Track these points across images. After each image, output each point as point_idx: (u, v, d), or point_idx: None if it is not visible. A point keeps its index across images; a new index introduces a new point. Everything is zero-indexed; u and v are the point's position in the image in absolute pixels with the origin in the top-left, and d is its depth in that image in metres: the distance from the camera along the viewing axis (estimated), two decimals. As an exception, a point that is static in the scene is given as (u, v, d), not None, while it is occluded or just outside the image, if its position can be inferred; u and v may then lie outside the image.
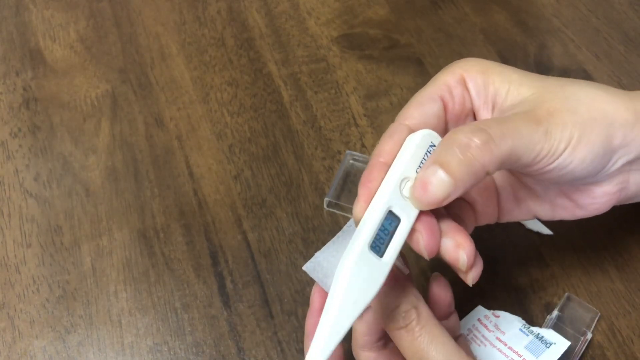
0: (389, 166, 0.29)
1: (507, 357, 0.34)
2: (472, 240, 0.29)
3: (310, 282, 0.39)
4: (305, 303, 0.38)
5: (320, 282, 0.29)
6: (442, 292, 0.30)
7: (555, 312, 0.36)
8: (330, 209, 0.42)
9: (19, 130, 0.46)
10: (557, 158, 0.29)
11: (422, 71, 0.48)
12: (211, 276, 0.39)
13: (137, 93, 0.48)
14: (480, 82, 0.31)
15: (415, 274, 0.39)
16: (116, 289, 0.39)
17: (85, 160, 0.44)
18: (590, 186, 0.32)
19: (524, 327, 0.35)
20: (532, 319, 0.37)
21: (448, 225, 0.29)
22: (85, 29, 0.52)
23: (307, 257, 0.40)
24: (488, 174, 0.27)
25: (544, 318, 0.37)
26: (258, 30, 0.51)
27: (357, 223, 0.28)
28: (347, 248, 0.27)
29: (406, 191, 0.28)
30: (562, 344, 0.34)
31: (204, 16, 0.52)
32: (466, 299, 0.37)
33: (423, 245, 0.28)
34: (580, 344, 0.35)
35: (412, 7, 0.53)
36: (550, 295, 0.38)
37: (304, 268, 0.29)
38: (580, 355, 0.35)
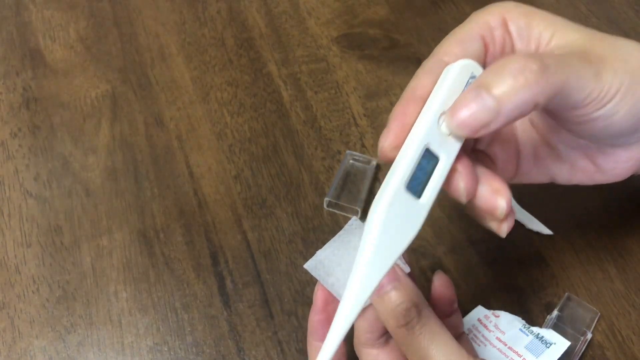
0: (424, 101, 0.27)
1: (507, 357, 0.34)
2: (508, 186, 0.27)
3: (311, 281, 0.39)
4: (305, 303, 0.38)
5: (322, 280, 0.29)
6: (444, 289, 0.30)
7: (555, 312, 0.36)
8: (330, 209, 0.42)
9: (19, 130, 0.46)
10: (606, 104, 0.27)
11: (422, 71, 0.48)
12: (211, 276, 0.39)
13: (137, 93, 0.48)
14: (523, 24, 0.29)
15: (415, 275, 0.39)
16: (116, 289, 0.39)
17: (85, 160, 0.44)
18: (617, 149, 0.31)
19: (524, 327, 0.35)
20: (532, 319, 0.37)
21: (481, 171, 0.27)
22: (85, 29, 0.52)
23: (307, 257, 0.39)
24: (536, 107, 0.25)
25: (544, 318, 0.37)
26: (258, 30, 0.51)
27: (384, 159, 0.26)
28: (381, 189, 0.25)
29: (445, 127, 0.26)
30: (562, 344, 0.34)
31: (204, 16, 0.52)
32: (466, 299, 0.37)
33: (463, 185, 0.26)
34: (580, 344, 0.35)
35: (412, 7, 0.53)
36: (550, 295, 0.38)
37: (305, 266, 0.29)
38: (580, 355, 0.35)
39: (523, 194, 0.41)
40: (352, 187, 0.42)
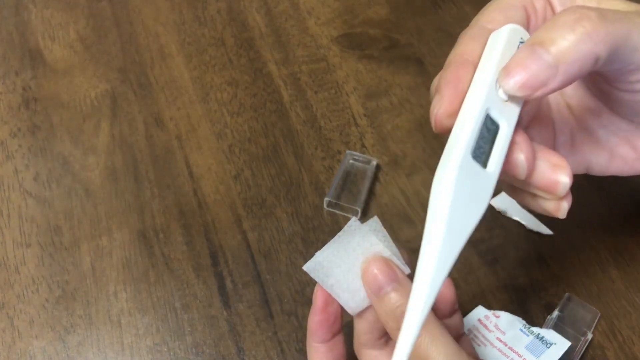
0: (475, 67, 0.25)
1: (508, 357, 0.34)
2: (566, 160, 0.26)
3: (311, 282, 0.39)
4: (306, 303, 0.38)
5: (321, 281, 0.29)
6: (445, 289, 0.30)
7: (555, 312, 0.36)
8: (330, 209, 0.41)
9: (19, 130, 0.46)
10: None
11: (422, 71, 0.48)
12: (211, 276, 0.39)
13: (136, 93, 0.48)
14: None
15: (414, 275, 0.39)
16: (116, 289, 0.39)
17: (84, 160, 0.44)
18: None
19: (525, 328, 0.35)
20: (533, 319, 0.37)
21: (537, 146, 0.26)
22: (85, 28, 0.52)
23: (307, 257, 0.39)
24: (597, 63, 0.23)
25: (545, 318, 0.37)
26: (258, 30, 0.51)
27: (439, 128, 0.25)
28: (443, 159, 0.23)
29: (502, 93, 0.24)
30: (562, 344, 0.34)
31: (204, 16, 0.52)
32: (466, 299, 0.37)
33: (524, 158, 0.25)
34: (581, 344, 0.35)
35: (412, 6, 0.53)
36: (551, 296, 0.38)
37: (304, 268, 0.29)
38: (580, 355, 0.35)
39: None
40: (352, 187, 0.42)
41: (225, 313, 0.38)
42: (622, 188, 0.42)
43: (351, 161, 0.43)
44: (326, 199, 0.41)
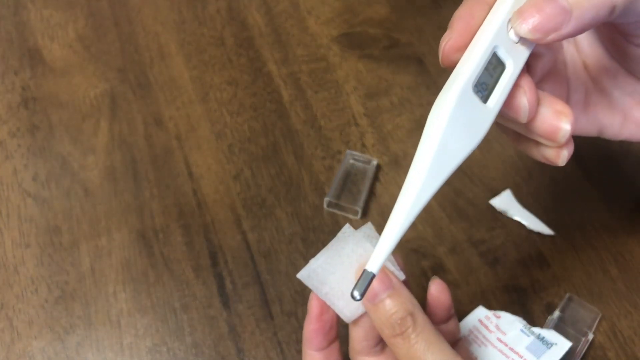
0: (490, 6, 0.25)
1: (508, 358, 0.34)
2: (570, 107, 0.26)
3: (310, 282, 0.38)
4: (305, 303, 0.37)
5: (316, 289, 0.28)
6: (441, 295, 0.30)
7: (556, 313, 0.36)
8: (330, 209, 0.41)
9: (18, 130, 0.46)
10: None
11: (423, 70, 0.48)
12: (210, 277, 0.39)
13: (136, 92, 0.48)
14: None
15: (416, 275, 0.39)
16: (115, 290, 0.38)
17: (84, 160, 0.44)
18: None
19: (525, 328, 0.35)
20: (533, 320, 0.37)
21: (541, 93, 0.26)
22: (84, 28, 0.51)
23: (307, 257, 0.39)
24: (614, 10, 0.23)
25: (545, 319, 0.37)
26: (258, 30, 0.51)
27: (445, 62, 0.25)
28: (444, 89, 0.23)
29: (513, 34, 0.25)
30: (563, 344, 0.34)
31: (204, 15, 0.52)
32: (467, 300, 0.37)
33: (526, 101, 0.25)
34: (582, 345, 0.35)
35: (413, 6, 0.53)
36: (552, 296, 0.38)
37: (298, 276, 0.28)
38: (581, 356, 0.35)
39: (523, 193, 0.41)
40: (352, 187, 0.42)
41: (224, 314, 0.37)
42: (623, 188, 0.42)
43: (351, 161, 0.43)
44: (326, 199, 0.41)
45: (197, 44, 0.50)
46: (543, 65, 0.29)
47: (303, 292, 0.38)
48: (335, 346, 0.30)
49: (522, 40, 0.25)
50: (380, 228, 0.29)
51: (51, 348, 0.36)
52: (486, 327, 0.35)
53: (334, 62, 0.49)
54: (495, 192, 0.42)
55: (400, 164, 0.43)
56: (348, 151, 0.43)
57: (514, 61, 0.25)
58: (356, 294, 0.23)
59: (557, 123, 0.25)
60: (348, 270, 0.28)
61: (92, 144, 0.45)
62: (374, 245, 0.28)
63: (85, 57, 0.50)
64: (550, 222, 0.40)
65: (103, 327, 0.37)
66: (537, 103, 0.25)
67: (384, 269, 0.28)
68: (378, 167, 0.43)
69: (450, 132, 0.23)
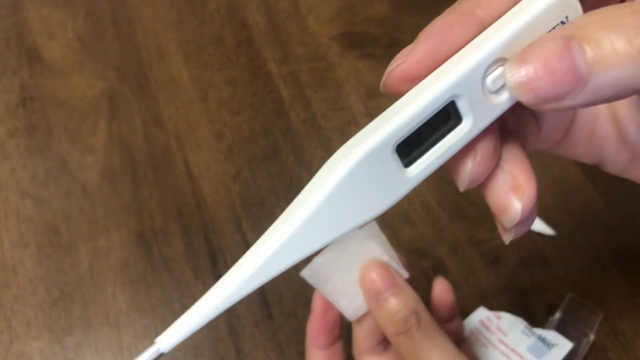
0: (483, 28, 0.18)
1: (509, 359, 0.34)
2: (537, 186, 0.20)
3: (309, 283, 0.38)
4: (305, 304, 0.37)
5: (320, 287, 0.28)
6: (444, 294, 0.30)
7: (557, 314, 0.36)
8: (331, 209, 0.41)
9: (16, 129, 0.46)
10: None
11: (423, 70, 0.48)
12: (210, 277, 0.39)
13: (135, 92, 0.47)
14: None
15: (416, 275, 0.39)
16: (114, 290, 0.38)
17: (82, 160, 0.44)
18: None
19: (526, 329, 0.35)
20: (535, 321, 0.36)
21: (511, 152, 0.20)
22: (83, 27, 0.51)
23: (307, 258, 0.39)
24: (638, 93, 0.17)
25: (547, 319, 0.36)
26: (257, 29, 0.51)
27: (388, 90, 0.19)
28: (360, 135, 0.18)
29: (494, 82, 0.18)
30: (564, 345, 0.34)
31: (203, 14, 0.52)
32: (468, 300, 0.37)
33: (470, 170, 0.19)
34: (583, 346, 0.35)
35: (414, 4, 0.52)
36: (553, 297, 0.37)
37: (301, 274, 0.28)
38: (583, 356, 0.35)
39: (525, 194, 0.41)
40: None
41: (224, 314, 0.37)
42: (625, 188, 0.42)
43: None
44: (326, 199, 0.41)
45: (197, 43, 0.50)
46: (559, 123, 0.24)
47: (303, 293, 0.38)
48: (339, 344, 0.30)
49: (502, 92, 0.18)
50: (380, 228, 0.28)
51: (50, 349, 0.36)
52: (487, 328, 0.35)
53: (334, 61, 0.49)
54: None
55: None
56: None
57: (476, 118, 0.18)
58: None
59: (507, 201, 0.20)
60: (351, 268, 0.28)
61: (90, 144, 0.45)
62: (378, 243, 0.28)
63: (84, 57, 0.49)
64: (551, 222, 0.40)
65: (102, 327, 0.37)
66: (485, 172, 0.20)
67: (387, 267, 0.28)
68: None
69: (335, 201, 0.18)
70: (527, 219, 0.20)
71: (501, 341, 0.35)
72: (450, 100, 0.18)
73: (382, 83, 0.20)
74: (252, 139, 0.45)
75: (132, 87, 0.48)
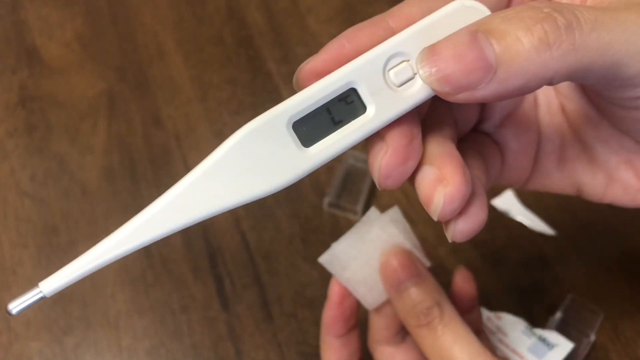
0: (388, 33, 0.20)
1: (510, 359, 0.34)
2: (466, 177, 0.20)
3: (310, 283, 0.38)
4: (305, 305, 0.37)
5: (337, 274, 0.28)
6: (466, 284, 0.29)
7: (558, 314, 0.36)
8: (330, 210, 0.41)
9: (15, 129, 0.45)
10: None
11: (423, 69, 0.48)
12: (209, 277, 0.38)
13: (134, 92, 0.47)
14: None
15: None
16: (113, 291, 0.38)
17: (82, 160, 0.44)
18: None
19: (527, 329, 0.35)
20: (535, 321, 0.36)
21: (440, 149, 0.20)
22: (82, 27, 0.51)
23: (307, 258, 0.39)
24: (549, 84, 0.18)
25: (547, 320, 0.36)
26: (257, 28, 0.51)
27: (298, 86, 0.20)
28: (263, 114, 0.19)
29: (397, 75, 0.19)
30: (565, 345, 0.34)
31: (203, 14, 0.52)
32: (468, 301, 0.37)
33: (379, 164, 0.19)
34: (584, 346, 0.35)
35: (413, 4, 0.52)
36: (554, 297, 0.37)
37: (319, 260, 0.27)
38: (583, 357, 0.35)
39: (525, 193, 0.41)
40: (352, 188, 0.41)
41: (224, 315, 0.37)
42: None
43: (351, 161, 0.43)
44: (326, 200, 0.41)
45: (196, 42, 0.50)
46: (502, 106, 0.24)
47: (303, 293, 0.38)
48: (355, 333, 0.30)
49: (409, 87, 0.19)
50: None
51: (49, 349, 0.36)
52: (488, 328, 0.35)
53: (334, 61, 0.49)
54: (497, 193, 0.41)
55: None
56: (348, 151, 0.43)
57: (379, 108, 0.19)
58: (11, 307, 0.19)
59: (431, 192, 0.19)
60: (372, 255, 0.27)
61: (90, 144, 0.44)
62: (400, 230, 0.27)
63: (83, 56, 0.49)
64: (552, 222, 0.40)
65: (101, 328, 0.37)
66: (402, 169, 0.19)
67: (409, 255, 0.27)
68: (378, 167, 0.43)
69: (223, 169, 0.19)
70: (465, 216, 0.20)
71: (502, 342, 0.34)
72: (349, 86, 0.19)
73: (294, 79, 0.20)
74: (251, 139, 0.45)
75: (132, 86, 0.47)
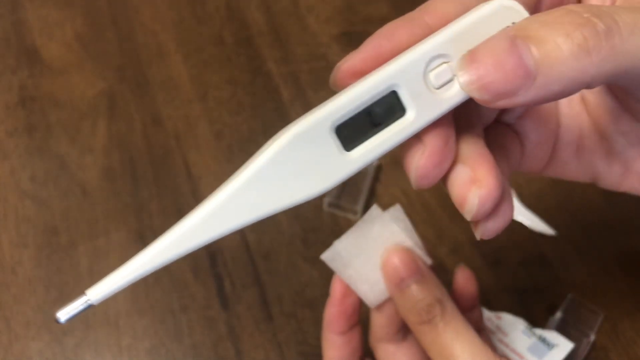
0: (428, 31, 0.20)
1: (510, 359, 0.34)
2: (499, 179, 0.20)
3: (310, 283, 0.38)
4: (305, 305, 0.37)
5: (339, 272, 0.27)
6: (467, 283, 0.29)
7: (558, 314, 0.36)
8: (330, 210, 0.41)
9: (15, 129, 0.45)
10: None
11: (423, 69, 0.48)
12: (209, 277, 0.38)
13: (134, 92, 0.47)
14: None
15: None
16: (113, 291, 0.38)
17: (82, 160, 0.44)
18: None
19: (527, 329, 0.35)
20: (535, 321, 0.36)
21: (472, 149, 0.20)
22: (82, 26, 0.51)
23: (307, 258, 0.39)
24: (588, 87, 0.18)
25: (547, 320, 0.36)
26: (257, 28, 0.51)
27: (337, 84, 0.20)
28: (300, 117, 0.19)
29: (437, 78, 0.19)
30: (565, 345, 0.34)
31: (202, 14, 0.52)
32: (468, 301, 0.37)
33: (417, 164, 0.20)
34: (584, 346, 0.35)
35: (413, 4, 0.52)
36: (553, 297, 0.37)
37: (322, 257, 0.27)
38: (583, 357, 0.35)
39: (525, 193, 0.41)
40: (352, 188, 0.41)
41: (224, 315, 0.37)
42: (626, 188, 0.41)
43: (351, 161, 0.43)
44: (326, 200, 0.41)
45: (196, 42, 0.50)
46: None
47: (303, 293, 0.38)
48: (357, 331, 0.29)
49: (448, 89, 0.19)
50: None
51: (49, 349, 0.36)
52: (488, 328, 0.35)
53: (334, 61, 0.49)
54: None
55: (401, 164, 0.43)
56: (348, 151, 0.43)
57: (419, 111, 0.19)
58: (60, 315, 0.19)
59: (464, 192, 0.20)
60: (373, 253, 0.27)
61: (90, 144, 0.44)
62: (402, 228, 0.27)
63: (83, 56, 0.49)
64: (552, 222, 0.40)
65: (101, 328, 0.37)
66: (437, 170, 0.20)
67: (411, 253, 0.27)
68: (378, 167, 0.43)
69: (268, 175, 0.18)
70: (498, 214, 0.20)
71: (502, 341, 0.34)
72: (390, 89, 0.19)
73: (331, 78, 0.20)
74: (251, 139, 0.45)
75: (132, 86, 0.47)
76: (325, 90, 0.47)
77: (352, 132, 0.19)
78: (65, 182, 0.43)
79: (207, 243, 0.19)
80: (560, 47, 0.17)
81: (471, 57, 0.18)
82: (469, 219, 0.20)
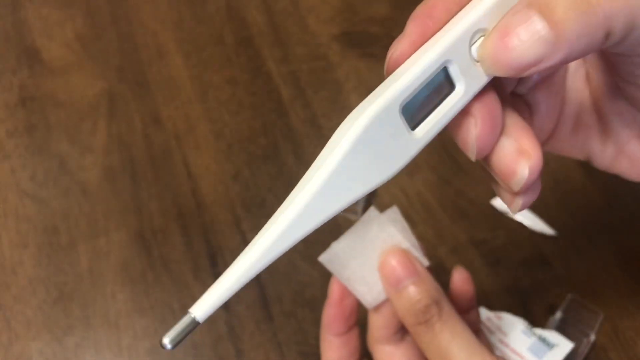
0: (459, 6, 0.20)
1: (510, 359, 0.34)
2: (541, 150, 0.20)
3: (310, 283, 0.38)
4: (305, 304, 0.37)
5: (337, 274, 0.28)
6: (465, 285, 0.29)
7: (558, 314, 0.36)
8: (330, 209, 0.41)
9: (15, 129, 0.45)
10: None
11: (423, 69, 0.48)
12: (210, 277, 0.38)
13: (134, 92, 0.47)
14: None
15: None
16: (113, 291, 0.38)
17: (82, 160, 0.44)
18: None
19: (527, 329, 0.35)
20: (535, 321, 0.36)
21: (513, 120, 0.21)
22: (82, 27, 0.51)
23: (307, 258, 0.39)
24: (609, 36, 0.18)
25: (547, 320, 0.36)
26: (257, 28, 0.51)
27: (388, 72, 0.20)
28: (366, 100, 0.19)
29: (476, 51, 0.20)
30: (565, 345, 0.34)
31: (203, 14, 0.52)
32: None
33: (475, 135, 0.20)
34: (584, 346, 0.35)
35: (413, 4, 0.52)
36: (554, 297, 0.37)
37: (319, 259, 0.27)
38: (583, 357, 0.35)
39: (525, 193, 0.41)
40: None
41: (224, 314, 0.37)
42: (626, 188, 0.41)
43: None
44: (326, 199, 0.41)
45: (196, 42, 0.50)
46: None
47: (303, 293, 0.38)
48: (355, 332, 0.30)
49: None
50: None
51: (49, 349, 0.36)
52: (488, 328, 0.35)
53: (334, 61, 0.49)
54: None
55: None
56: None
57: (467, 84, 0.19)
58: (166, 341, 0.18)
59: (513, 165, 0.20)
60: (371, 255, 0.27)
61: (90, 144, 0.44)
62: (399, 229, 0.27)
63: (83, 56, 0.49)
64: (552, 222, 0.40)
65: (101, 328, 0.37)
66: (493, 139, 0.20)
67: (408, 254, 0.27)
68: (378, 167, 0.43)
69: (350, 163, 0.18)
70: (533, 187, 0.21)
71: (502, 341, 0.34)
72: (443, 65, 0.19)
73: (385, 69, 0.21)
74: (251, 139, 0.45)
75: (132, 86, 0.48)
76: (325, 90, 0.47)
77: (414, 111, 0.19)
78: (65, 182, 0.43)
79: (303, 237, 0.19)
80: (573, 7, 0.18)
81: (488, 39, 0.19)
82: (515, 190, 0.20)
